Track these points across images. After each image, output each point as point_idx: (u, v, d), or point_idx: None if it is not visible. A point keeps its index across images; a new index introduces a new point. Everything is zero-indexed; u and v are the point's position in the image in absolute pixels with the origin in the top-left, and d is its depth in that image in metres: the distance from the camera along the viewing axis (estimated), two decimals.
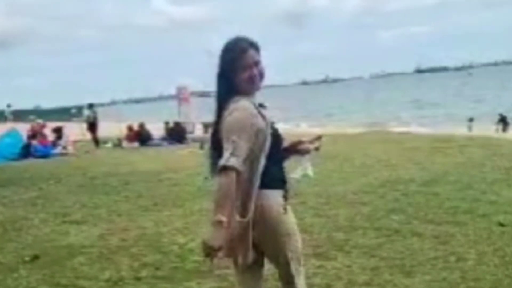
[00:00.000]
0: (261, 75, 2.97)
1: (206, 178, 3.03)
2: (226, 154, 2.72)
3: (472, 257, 5.12)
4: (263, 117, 2.91)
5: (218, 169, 2.70)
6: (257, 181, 2.86)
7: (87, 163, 15.06)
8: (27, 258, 5.98)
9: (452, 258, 5.12)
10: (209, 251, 2.71)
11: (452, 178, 8.86)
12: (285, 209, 2.93)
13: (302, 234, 3.10)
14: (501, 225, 6.06)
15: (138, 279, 5.17)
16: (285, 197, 2.96)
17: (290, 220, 2.96)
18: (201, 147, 18.73)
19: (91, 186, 10.66)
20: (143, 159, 15.13)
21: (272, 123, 2.99)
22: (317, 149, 3.25)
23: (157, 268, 5.39)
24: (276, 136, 2.99)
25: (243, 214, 2.83)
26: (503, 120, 27.75)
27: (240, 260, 2.93)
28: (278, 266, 3.02)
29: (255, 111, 2.88)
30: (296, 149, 3.21)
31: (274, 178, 2.94)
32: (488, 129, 25.58)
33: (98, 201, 9.01)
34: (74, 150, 19.95)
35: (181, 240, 6.32)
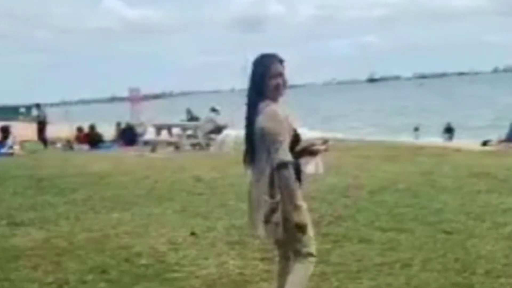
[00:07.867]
0: (284, 84, 3.61)
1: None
2: (280, 151, 3.40)
3: (417, 263, 5.23)
4: (286, 120, 3.53)
5: (279, 164, 3.40)
6: None
7: (35, 164, 14.70)
8: None
9: (398, 264, 5.22)
10: (304, 229, 3.53)
11: (400, 186, 9.00)
12: None
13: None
14: (446, 232, 6.20)
15: (84, 282, 5.10)
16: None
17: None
18: (153, 150, 18.58)
19: (38, 187, 10.41)
20: (92, 161, 14.87)
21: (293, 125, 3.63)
22: (326, 150, 3.88)
23: (104, 272, 5.32)
24: (296, 136, 3.64)
25: (272, 196, 3.49)
26: (449, 130, 28.35)
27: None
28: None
29: (282, 116, 3.50)
30: (308, 150, 3.78)
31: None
32: (435, 137, 26.18)
33: (45, 203, 8.81)
34: (21, 151, 19.48)
35: (129, 243, 6.25)
